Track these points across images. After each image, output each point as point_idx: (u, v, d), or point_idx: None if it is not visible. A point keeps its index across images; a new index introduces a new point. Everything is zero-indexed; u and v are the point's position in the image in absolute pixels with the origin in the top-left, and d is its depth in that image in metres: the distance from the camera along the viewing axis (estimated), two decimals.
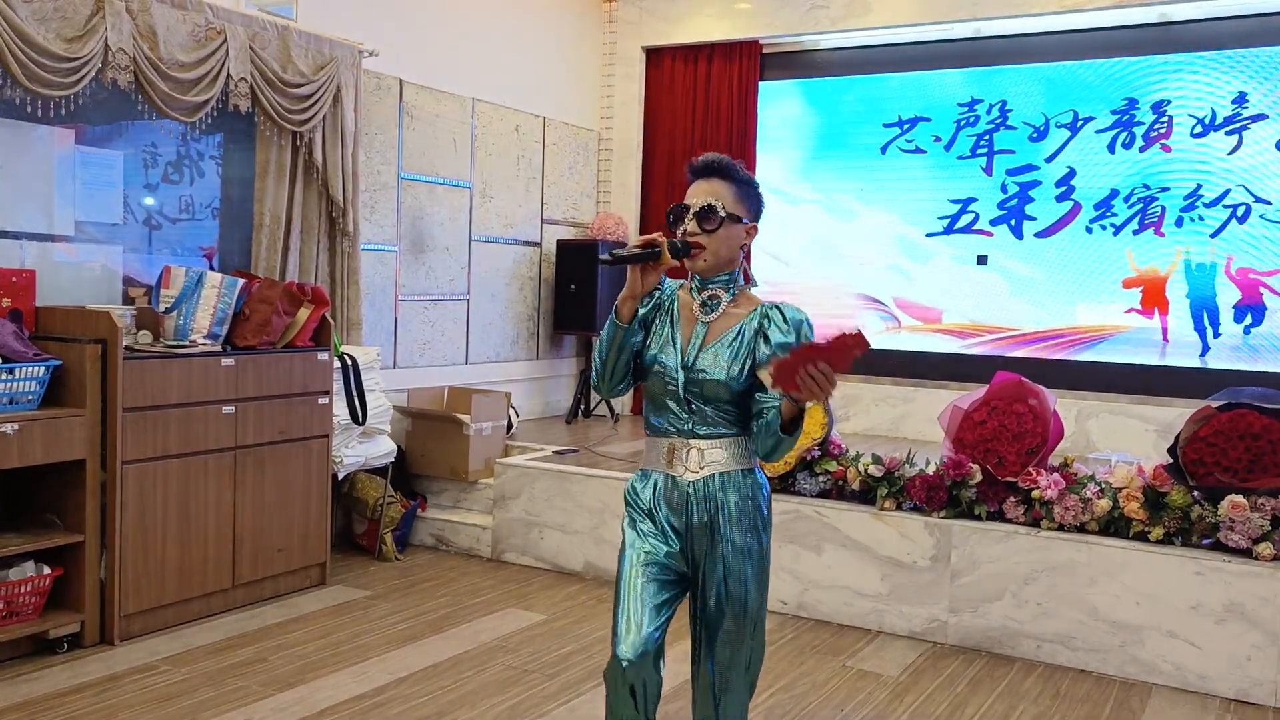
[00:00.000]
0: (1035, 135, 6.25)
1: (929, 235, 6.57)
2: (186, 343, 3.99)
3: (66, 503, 3.72)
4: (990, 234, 6.39)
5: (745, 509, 2.26)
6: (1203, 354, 5.86)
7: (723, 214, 2.19)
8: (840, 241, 6.87)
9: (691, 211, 2.21)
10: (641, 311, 2.24)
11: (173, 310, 4.01)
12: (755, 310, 2.26)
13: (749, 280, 2.34)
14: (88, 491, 3.68)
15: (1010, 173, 6.33)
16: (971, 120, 6.44)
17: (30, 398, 3.53)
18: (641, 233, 7.29)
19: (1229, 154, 5.76)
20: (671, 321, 2.27)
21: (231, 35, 4.36)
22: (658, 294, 2.30)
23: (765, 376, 2.07)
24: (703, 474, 2.25)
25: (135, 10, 4.01)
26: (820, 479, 4.39)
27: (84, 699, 3.30)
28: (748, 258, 2.34)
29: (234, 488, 4.14)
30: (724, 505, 2.24)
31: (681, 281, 2.34)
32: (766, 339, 2.21)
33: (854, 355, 1.89)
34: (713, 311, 2.25)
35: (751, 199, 2.27)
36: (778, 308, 2.24)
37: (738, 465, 2.26)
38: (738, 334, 2.22)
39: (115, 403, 3.69)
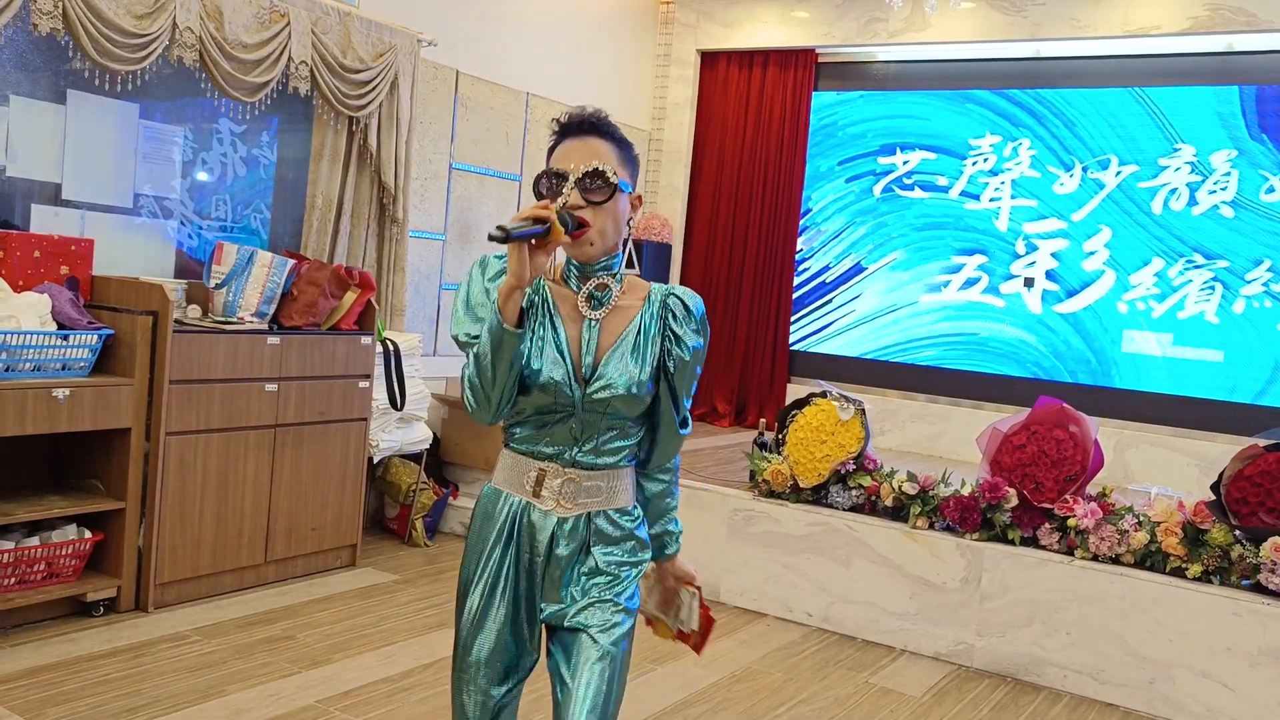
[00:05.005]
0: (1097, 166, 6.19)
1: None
2: (234, 319, 4.05)
3: (110, 469, 3.79)
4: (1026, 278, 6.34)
5: (617, 569, 1.81)
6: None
7: (614, 179, 1.71)
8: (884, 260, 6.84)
9: (573, 178, 1.70)
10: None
11: (223, 286, 4.07)
12: (648, 298, 1.81)
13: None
14: (131, 460, 3.74)
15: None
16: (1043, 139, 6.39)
17: (82, 365, 3.60)
18: (688, 236, 7.29)
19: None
20: (551, 323, 1.76)
21: (295, 18, 4.42)
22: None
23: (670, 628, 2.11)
24: (574, 511, 1.78)
25: None
26: (853, 493, 4.37)
27: (117, 663, 3.36)
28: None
29: (272, 465, 4.19)
30: (590, 556, 1.80)
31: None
32: (678, 340, 1.79)
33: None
34: (602, 306, 1.77)
35: (632, 163, 1.80)
36: (676, 295, 1.81)
37: (616, 503, 1.82)
38: (639, 331, 1.77)
39: (163, 374, 3.75)
